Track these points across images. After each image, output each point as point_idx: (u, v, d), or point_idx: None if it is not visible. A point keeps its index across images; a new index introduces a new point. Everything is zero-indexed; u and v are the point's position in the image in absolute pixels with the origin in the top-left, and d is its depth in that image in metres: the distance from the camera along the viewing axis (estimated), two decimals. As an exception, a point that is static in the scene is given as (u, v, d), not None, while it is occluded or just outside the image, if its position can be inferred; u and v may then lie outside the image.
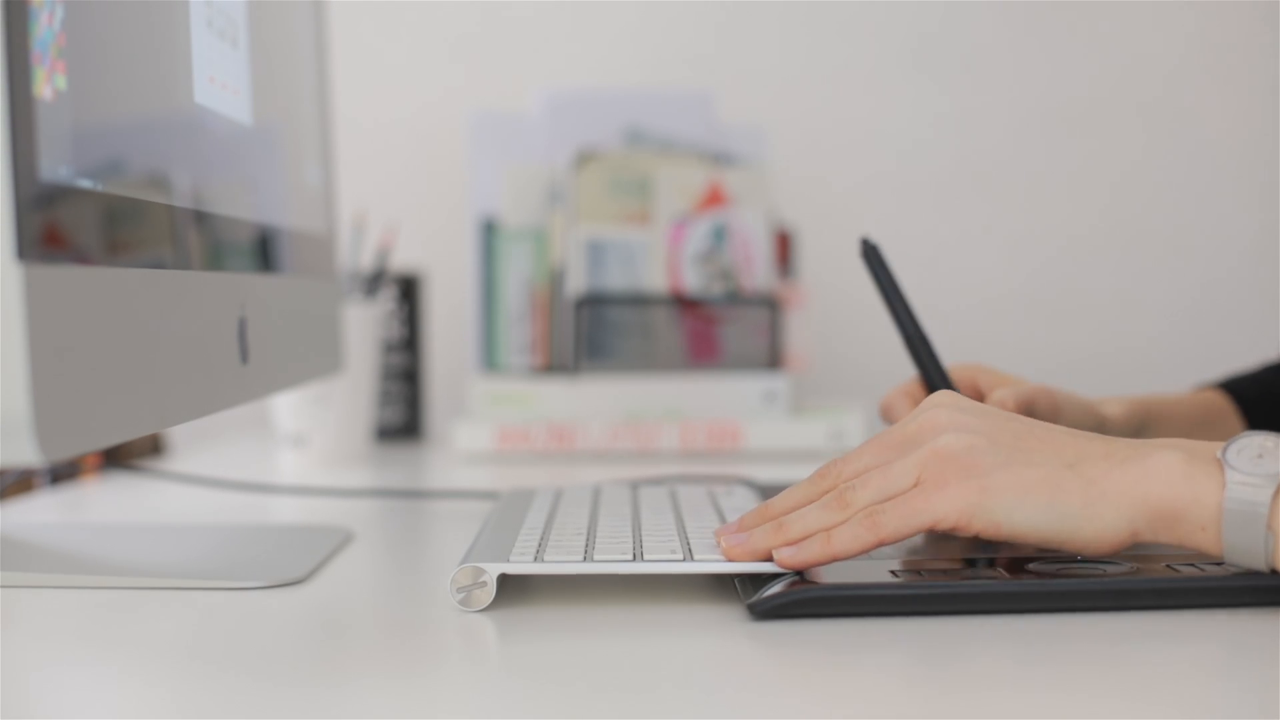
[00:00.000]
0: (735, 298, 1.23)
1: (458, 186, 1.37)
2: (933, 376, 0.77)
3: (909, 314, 0.78)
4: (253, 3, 0.79)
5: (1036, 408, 0.76)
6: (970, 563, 0.62)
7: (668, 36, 1.50)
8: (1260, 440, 0.55)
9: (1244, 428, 0.89)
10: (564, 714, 0.47)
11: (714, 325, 1.24)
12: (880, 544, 0.57)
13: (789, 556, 0.58)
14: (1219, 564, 0.58)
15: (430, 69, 1.50)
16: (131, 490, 1.00)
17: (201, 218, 0.68)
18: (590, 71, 1.49)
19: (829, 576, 0.58)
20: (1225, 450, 0.56)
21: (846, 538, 0.57)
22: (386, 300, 1.28)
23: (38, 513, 0.92)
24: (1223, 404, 0.90)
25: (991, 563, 0.62)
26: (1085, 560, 0.60)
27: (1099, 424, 0.80)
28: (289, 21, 0.89)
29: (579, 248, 1.22)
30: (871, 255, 0.79)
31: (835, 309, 1.50)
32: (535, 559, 0.60)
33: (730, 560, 0.59)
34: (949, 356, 0.81)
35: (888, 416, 0.80)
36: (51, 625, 0.59)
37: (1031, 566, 0.60)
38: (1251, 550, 0.55)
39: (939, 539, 0.67)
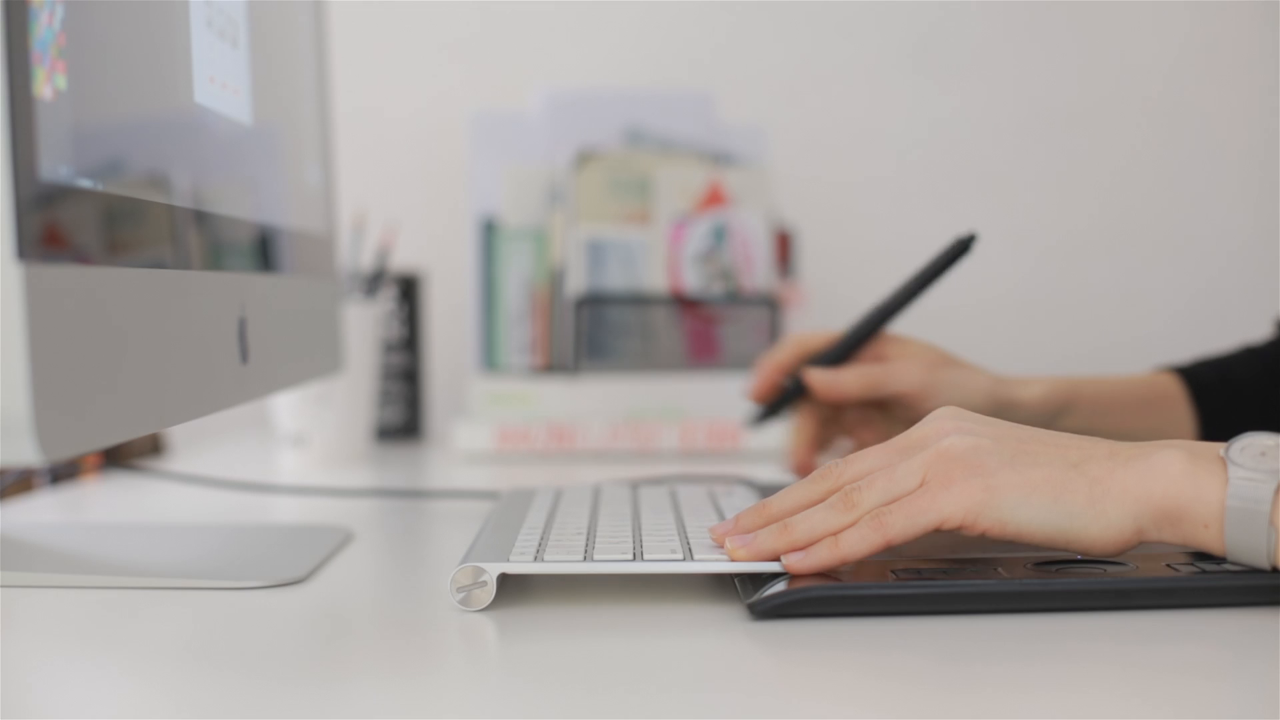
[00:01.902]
0: (735, 298, 1.23)
1: (458, 186, 1.37)
2: (855, 337, 0.88)
3: (904, 301, 0.87)
4: (253, 2, 0.79)
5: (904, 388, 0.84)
6: (970, 562, 0.62)
7: (668, 37, 1.50)
8: (1263, 439, 0.56)
9: (1193, 414, 0.88)
10: (564, 714, 0.47)
11: (714, 325, 1.24)
12: (888, 545, 0.57)
13: (798, 561, 0.58)
14: (1219, 563, 0.58)
15: (430, 69, 1.50)
16: (131, 490, 1.00)
17: (201, 218, 0.68)
18: (590, 71, 1.49)
19: (829, 576, 0.58)
20: (1228, 449, 0.56)
21: (854, 539, 0.57)
22: (386, 300, 1.28)
23: (38, 513, 0.92)
24: (1173, 389, 0.89)
25: (992, 562, 0.62)
26: (1087, 560, 0.60)
27: (1001, 408, 0.84)
28: (289, 21, 0.89)
29: (579, 248, 1.22)
30: (960, 249, 0.86)
31: (835, 309, 1.50)
32: (535, 559, 0.60)
33: (735, 561, 0.59)
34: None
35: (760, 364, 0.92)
36: (51, 625, 0.59)
37: (1032, 566, 0.60)
38: (1254, 547, 0.55)
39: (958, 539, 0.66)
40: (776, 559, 0.59)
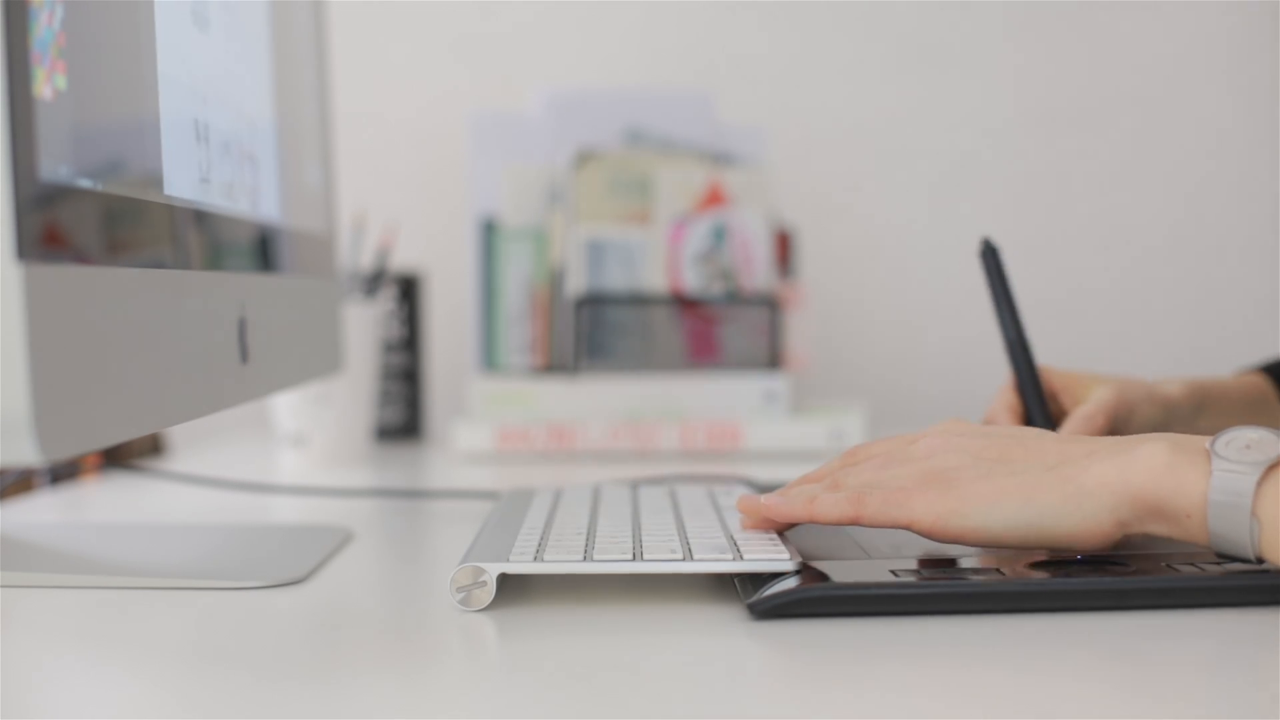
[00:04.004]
0: (735, 298, 1.23)
1: (458, 186, 1.37)
2: (1025, 382, 0.82)
3: (1014, 319, 0.83)
4: (253, 3, 0.79)
5: (1117, 416, 0.81)
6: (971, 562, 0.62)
7: (668, 37, 1.50)
8: (1249, 433, 0.56)
9: None
10: (564, 714, 0.47)
11: (714, 325, 1.24)
12: (857, 521, 0.61)
13: (774, 504, 0.64)
14: (1219, 563, 0.58)
15: (431, 69, 1.50)
16: (131, 490, 1.00)
17: (201, 218, 0.68)
18: (590, 71, 1.49)
19: (829, 576, 0.58)
20: (1214, 441, 0.57)
21: (829, 503, 0.62)
22: (386, 300, 1.28)
23: (38, 513, 0.92)
24: (1267, 387, 0.90)
25: (993, 562, 0.62)
26: (1086, 559, 0.60)
27: (1166, 410, 0.84)
28: (289, 21, 0.89)
29: (579, 248, 1.22)
30: (989, 256, 0.83)
31: (835, 309, 1.50)
32: (535, 559, 0.60)
33: (735, 560, 0.59)
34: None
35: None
36: (51, 625, 0.59)
37: (1032, 566, 0.60)
38: (1237, 539, 0.55)
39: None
40: (774, 528, 0.64)
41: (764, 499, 0.64)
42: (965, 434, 0.63)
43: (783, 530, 0.65)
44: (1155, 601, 0.57)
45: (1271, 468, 0.55)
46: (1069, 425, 0.80)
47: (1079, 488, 0.58)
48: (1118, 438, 0.60)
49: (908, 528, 0.60)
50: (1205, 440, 0.57)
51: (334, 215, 1.00)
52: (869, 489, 0.62)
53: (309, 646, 0.56)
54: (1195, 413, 0.85)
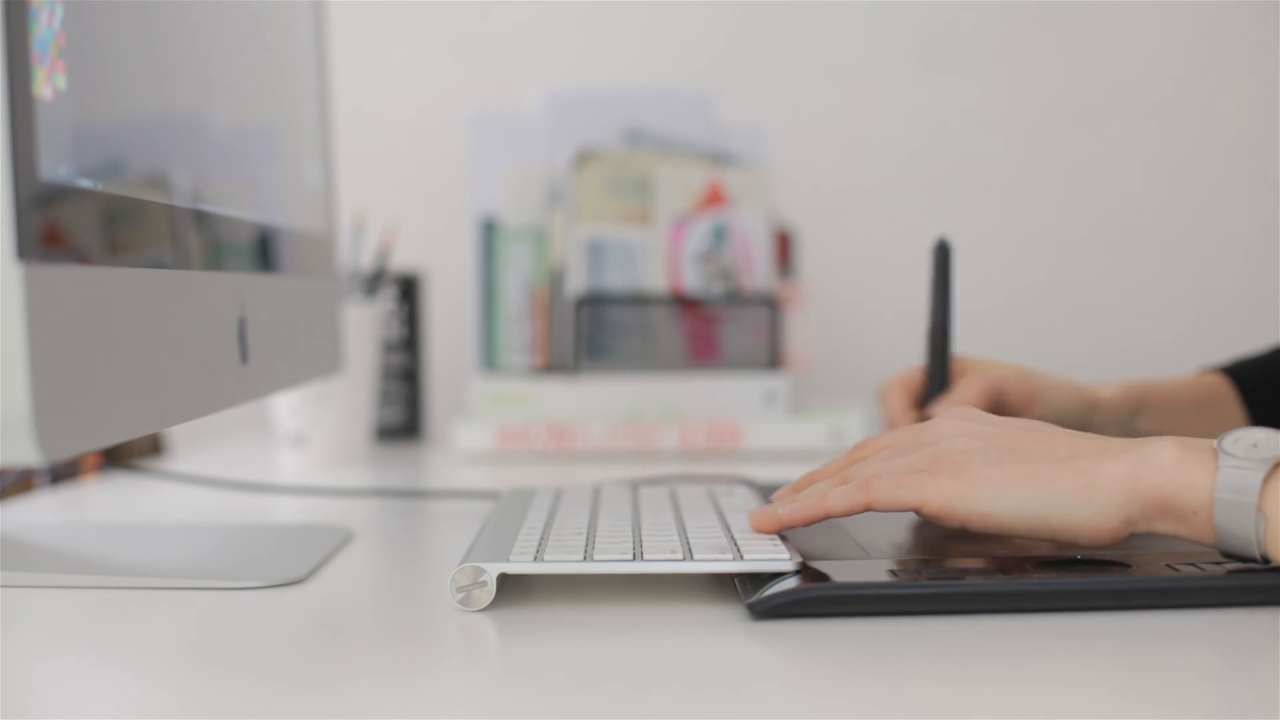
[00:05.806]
0: (735, 298, 1.23)
1: (458, 186, 1.37)
2: (934, 368, 0.84)
3: (946, 313, 0.85)
4: (252, 2, 0.79)
5: (1008, 393, 0.79)
6: (971, 562, 0.62)
7: (668, 37, 1.50)
8: (1257, 433, 0.57)
9: (1244, 413, 0.89)
10: (564, 714, 0.47)
11: (714, 325, 1.24)
12: (869, 508, 0.61)
13: (791, 513, 0.63)
14: (1219, 563, 0.58)
15: (430, 69, 1.50)
16: (131, 490, 1.00)
17: (201, 218, 0.68)
18: (590, 71, 1.49)
19: (829, 576, 0.58)
20: (1222, 440, 0.57)
21: (839, 494, 0.62)
22: (386, 300, 1.28)
23: (38, 513, 0.92)
24: (1224, 388, 0.90)
25: (993, 562, 0.62)
26: (1086, 559, 0.60)
27: (1088, 408, 0.84)
28: (289, 21, 0.89)
29: (579, 248, 1.22)
30: (941, 254, 0.87)
31: (835, 309, 1.50)
32: (535, 559, 0.60)
33: (736, 560, 0.59)
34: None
35: (882, 400, 0.88)
36: (51, 625, 0.59)
37: (1032, 566, 0.60)
38: (1243, 535, 0.55)
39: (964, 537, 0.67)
40: (780, 529, 0.63)
41: (781, 512, 0.63)
42: (976, 420, 0.64)
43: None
44: (1156, 601, 0.57)
45: (1277, 465, 0.55)
46: (950, 397, 0.82)
47: (1090, 481, 0.58)
48: (1128, 438, 0.60)
49: (917, 510, 0.60)
50: (1214, 440, 0.58)
51: (334, 215, 1.00)
52: (877, 476, 0.62)
53: (309, 646, 0.56)
54: (1131, 414, 0.86)
